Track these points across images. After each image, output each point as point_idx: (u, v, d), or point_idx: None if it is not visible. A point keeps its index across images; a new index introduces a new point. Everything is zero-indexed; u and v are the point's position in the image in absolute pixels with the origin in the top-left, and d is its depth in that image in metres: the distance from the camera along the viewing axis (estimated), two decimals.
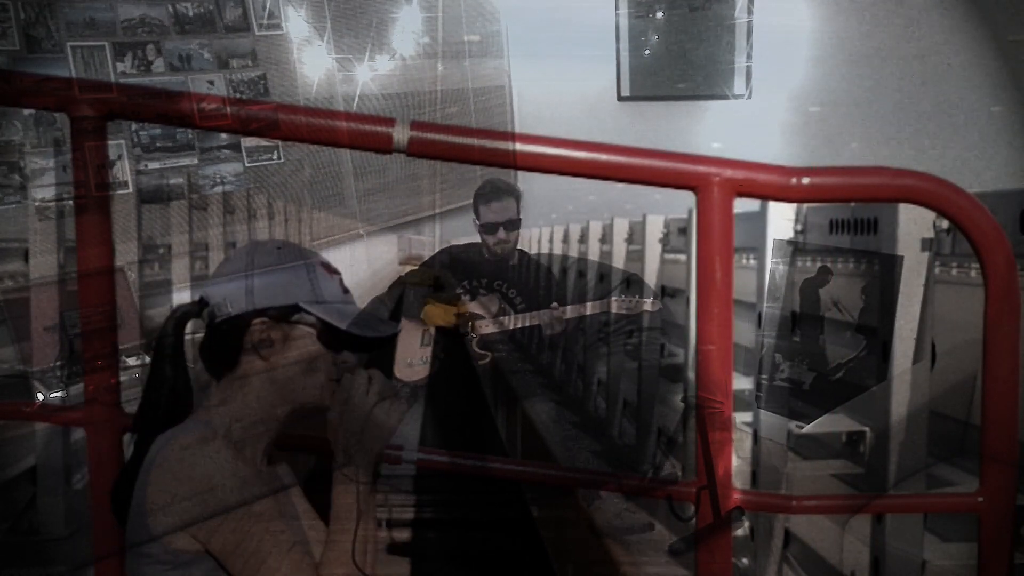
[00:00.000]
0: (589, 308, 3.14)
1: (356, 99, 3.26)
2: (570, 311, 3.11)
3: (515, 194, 3.10)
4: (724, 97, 3.49)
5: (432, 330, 3.18)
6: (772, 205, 2.44)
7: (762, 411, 2.41)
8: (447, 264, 3.20)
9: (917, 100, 3.52)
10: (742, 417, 2.52)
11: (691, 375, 2.78)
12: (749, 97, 3.50)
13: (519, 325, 3.14)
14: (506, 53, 3.48)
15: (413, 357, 3.22)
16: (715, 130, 3.51)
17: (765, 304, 2.33)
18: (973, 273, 2.12)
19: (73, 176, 1.76)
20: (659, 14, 3.48)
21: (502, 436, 3.35)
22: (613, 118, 3.52)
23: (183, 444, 1.34)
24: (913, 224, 2.06)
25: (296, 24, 3.16)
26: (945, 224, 2.02)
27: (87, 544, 1.56)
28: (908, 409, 2.11)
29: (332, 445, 1.42)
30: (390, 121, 1.72)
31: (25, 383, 2.54)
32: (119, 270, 1.81)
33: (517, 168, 1.77)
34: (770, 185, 1.71)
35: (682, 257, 3.17)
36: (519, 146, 1.72)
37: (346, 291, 1.46)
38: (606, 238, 3.64)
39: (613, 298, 3.14)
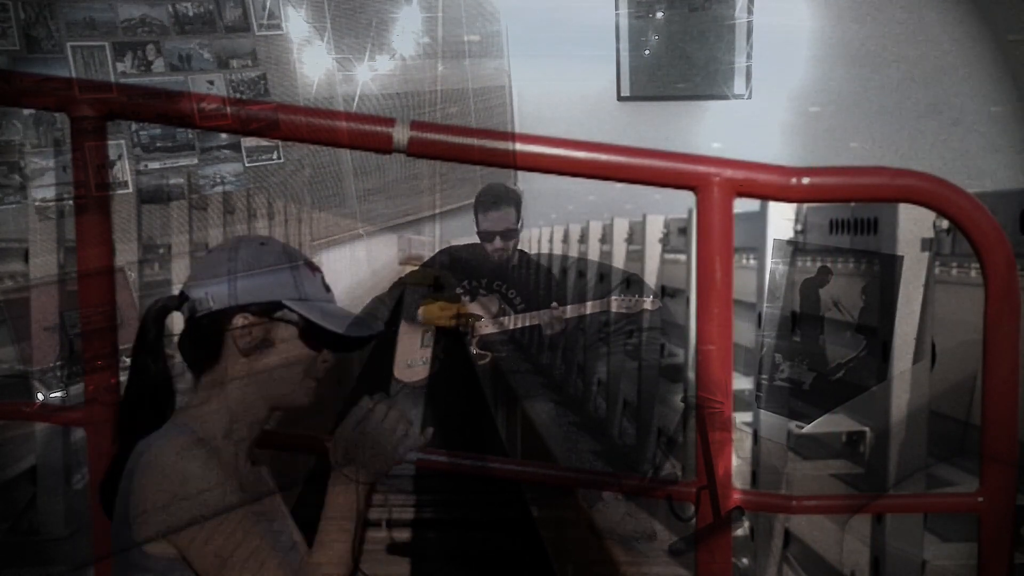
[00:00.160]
0: (589, 308, 3.14)
1: (356, 99, 3.26)
2: (570, 311, 3.11)
3: (515, 201, 3.11)
4: (724, 97, 3.49)
5: (432, 330, 3.19)
6: (772, 205, 2.44)
7: (762, 411, 2.41)
8: (447, 264, 3.21)
9: (917, 100, 3.52)
10: (742, 417, 2.52)
11: (691, 375, 2.78)
12: (749, 97, 3.50)
13: (519, 325, 3.14)
14: (506, 53, 3.48)
15: (413, 357, 3.22)
16: (715, 130, 3.51)
17: (765, 304, 2.33)
18: (973, 273, 2.12)
19: (73, 176, 1.76)
20: (659, 14, 3.48)
21: (502, 436, 3.35)
22: (613, 118, 3.52)
23: (164, 451, 1.32)
24: (913, 224, 2.06)
25: (296, 24, 3.16)
26: (945, 224, 2.01)
27: (87, 544, 1.55)
28: (908, 409, 2.11)
29: (331, 453, 1.41)
30: (390, 121, 1.72)
31: (25, 383, 2.54)
32: (119, 270, 1.81)
33: (517, 168, 1.77)
34: (770, 185, 1.71)
35: (682, 257, 3.17)
36: (519, 146, 1.72)
37: (328, 289, 1.45)
38: (606, 238, 3.64)
39: (613, 298, 3.14)
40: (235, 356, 1.40)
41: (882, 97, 3.51)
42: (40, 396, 2.39)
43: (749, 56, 3.47)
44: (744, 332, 2.27)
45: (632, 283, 3.21)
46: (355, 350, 1.48)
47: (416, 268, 3.28)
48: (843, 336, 2.23)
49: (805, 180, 1.69)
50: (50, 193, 2.95)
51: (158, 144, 3.05)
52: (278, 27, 3.11)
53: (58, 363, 2.50)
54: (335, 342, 1.43)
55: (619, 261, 3.50)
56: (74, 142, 1.74)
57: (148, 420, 1.40)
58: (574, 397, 3.65)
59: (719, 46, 3.47)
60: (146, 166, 3.05)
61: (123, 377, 1.60)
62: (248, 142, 3.08)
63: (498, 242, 3.08)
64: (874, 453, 2.21)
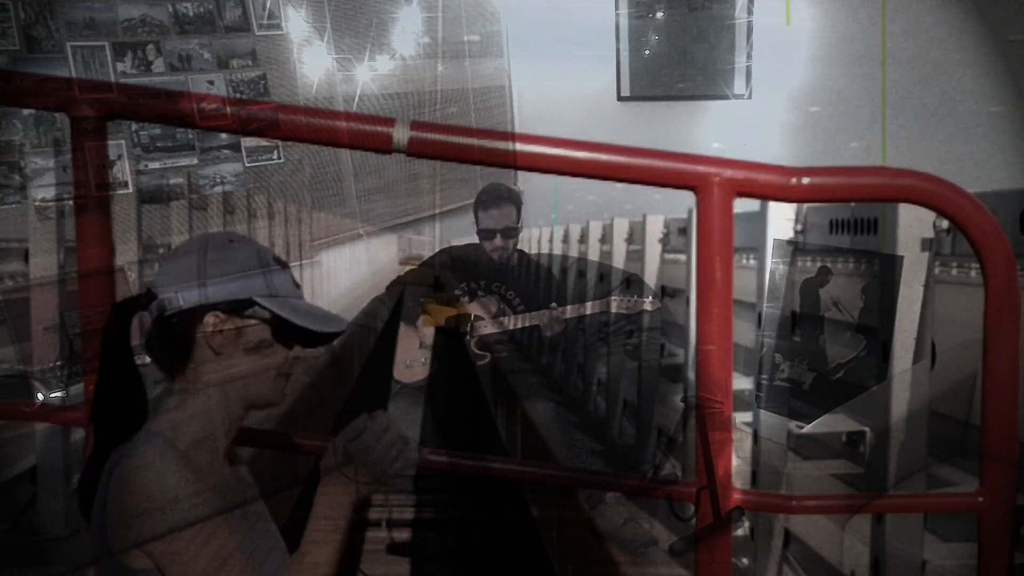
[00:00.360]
0: (589, 308, 3.14)
1: (356, 99, 3.26)
2: (569, 311, 3.11)
3: (515, 200, 3.12)
4: (724, 97, 3.49)
5: (432, 331, 3.19)
6: (772, 205, 2.45)
7: (762, 411, 2.42)
8: (446, 264, 3.21)
9: (917, 100, 3.52)
10: (742, 417, 2.52)
11: (691, 375, 2.78)
12: (749, 97, 3.50)
13: (518, 326, 3.14)
14: (506, 53, 3.48)
15: (412, 358, 3.22)
16: (715, 130, 3.51)
17: (765, 304, 2.33)
18: (973, 273, 2.12)
19: (73, 176, 1.76)
20: (659, 14, 3.48)
21: (502, 436, 3.35)
22: (613, 118, 3.52)
23: (137, 462, 1.30)
24: (913, 224, 2.06)
25: (296, 24, 3.16)
26: (945, 224, 2.02)
27: (87, 544, 1.55)
28: (908, 409, 2.11)
29: (323, 463, 1.41)
30: (390, 121, 1.72)
31: (25, 383, 2.53)
32: (119, 270, 1.81)
33: (517, 168, 1.77)
34: (770, 185, 1.72)
35: (682, 257, 3.17)
36: (519, 146, 1.72)
37: (297, 286, 1.43)
38: (606, 238, 3.64)
39: (613, 298, 3.14)
40: (208, 355, 1.38)
41: (882, 97, 3.51)
42: (40, 396, 2.39)
43: (749, 56, 3.47)
44: (744, 332, 2.27)
45: (632, 283, 3.21)
46: (324, 345, 1.46)
47: (415, 268, 3.28)
48: (843, 336, 2.23)
49: (805, 180, 1.69)
50: (50, 193, 2.95)
51: (158, 144, 3.04)
52: (278, 27, 3.11)
53: (58, 363, 2.50)
54: (306, 338, 1.42)
55: (619, 261, 3.50)
56: (74, 142, 1.74)
57: (120, 424, 1.37)
58: (574, 397, 3.65)
59: (719, 46, 3.47)
60: (146, 166, 3.05)
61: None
62: (248, 142, 3.08)
63: (498, 240, 3.09)
64: (874, 453, 2.21)
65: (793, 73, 3.52)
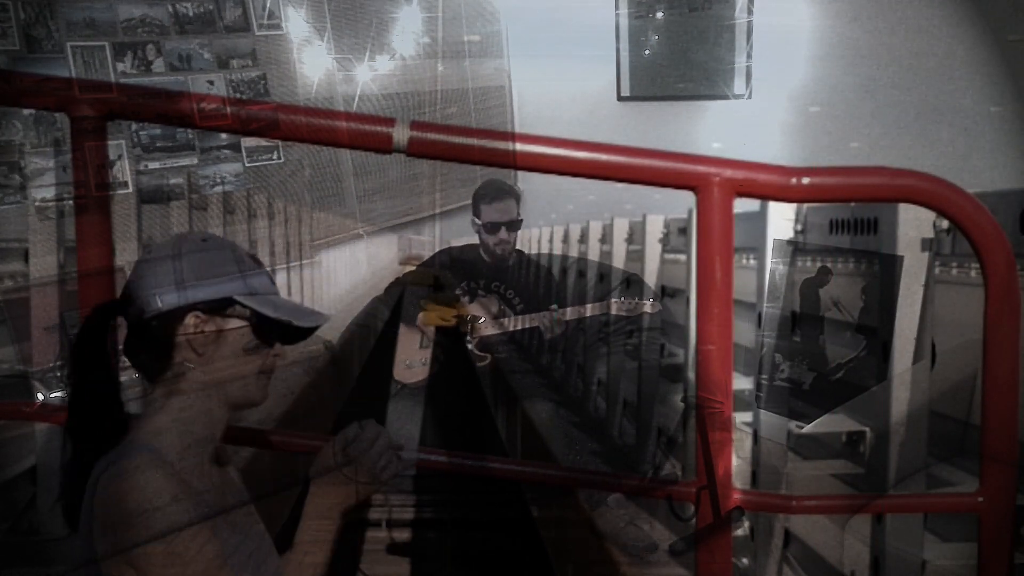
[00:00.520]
0: (588, 309, 3.15)
1: (356, 99, 3.26)
2: (569, 312, 3.11)
3: (516, 195, 3.12)
4: (724, 97, 3.49)
5: (431, 331, 3.19)
6: (772, 205, 2.44)
7: (762, 411, 2.41)
8: (446, 265, 3.21)
9: (917, 100, 3.52)
10: (742, 417, 2.52)
11: (691, 375, 2.78)
12: (749, 97, 3.50)
13: (518, 326, 3.14)
14: (506, 53, 3.48)
15: (412, 358, 3.22)
16: (715, 130, 3.51)
17: (765, 304, 2.33)
18: (973, 273, 2.12)
19: (73, 176, 1.76)
20: (659, 14, 3.48)
21: (502, 436, 3.35)
22: (613, 118, 3.52)
23: (124, 476, 1.28)
24: (913, 224, 2.06)
25: (296, 24, 3.16)
26: (945, 224, 2.02)
27: (78, 549, 1.54)
28: (908, 409, 2.11)
29: (313, 470, 1.41)
30: (390, 121, 1.72)
31: (25, 383, 2.53)
32: (119, 270, 1.81)
33: (517, 168, 1.77)
34: (770, 185, 1.72)
35: (682, 257, 3.17)
36: (519, 146, 1.72)
37: (272, 283, 1.43)
38: (606, 238, 3.64)
39: (613, 298, 3.14)
40: (190, 357, 1.36)
41: (882, 97, 3.51)
42: (40, 396, 2.39)
43: (749, 56, 3.47)
44: (744, 332, 2.27)
45: (632, 283, 3.21)
46: (303, 340, 1.45)
47: (415, 269, 3.28)
48: (843, 336, 2.23)
49: (805, 180, 1.69)
50: (50, 193, 2.95)
51: (158, 144, 3.05)
52: (278, 27, 3.11)
53: (58, 363, 2.50)
54: (286, 335, 1.42)
55: (619, 261, 3.50)
56: (74, 142, 1.74)
57: (100, 433, 1.36)
58: (574, 397, 3.65)
59: (719, 46, 3.47)
60: (146, 166, 3.05)
61: (123, 377, 1.58)
62: (248, 142, 3.08)
63: (503, 233, 3.09)
64: (874, 453, 2.21)
65: (793, 73, 3.52)
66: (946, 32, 3.53)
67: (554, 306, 3.10)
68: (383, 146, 1.72)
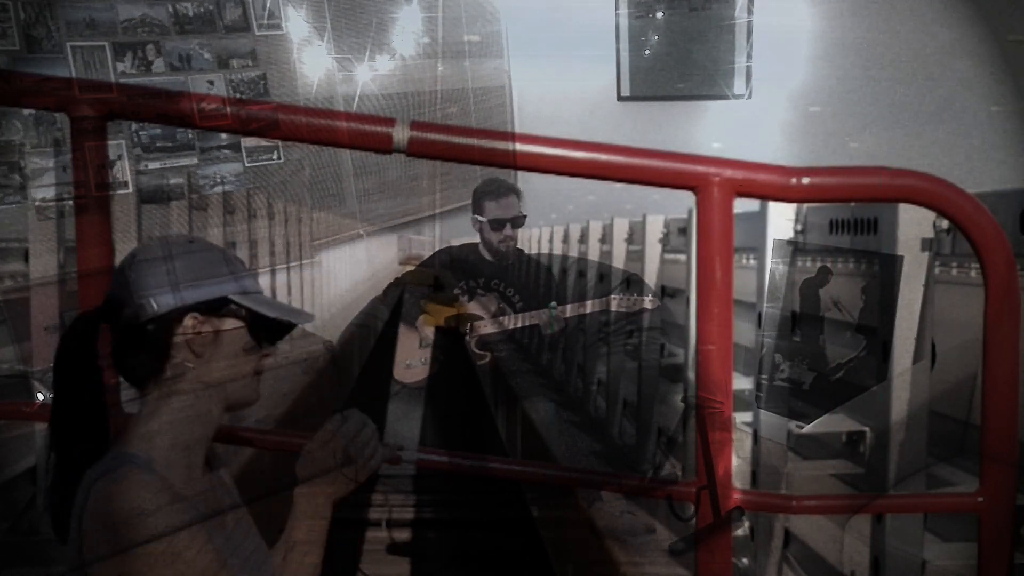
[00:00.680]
0: (588, 308, 3.15)
1: (356, 99, 3.26)
2: (569, 311, 3.11)
3: (518, 191, 3.13)
4: (724, 97, 3.49)
5: (431, 331, 3.19)
6: (772, 205, 2.44)
7: (762, 411, 2.41)
8: (445, 264, 3.21)
9: (917, 100, 3.52)
10: (742, 417, 2.51)
11: (691, 375, 2.78)
12: (749, 97, 3.50)
13: (518, 325, 3.14)
14: (506, 53, 3.48)
15: (412, 358, 3.22)
16: (715, 130, 3.51)
17: (765, 304, 2.32)
18: (973, 273, 2.12)
19: (73, 176, 1.76)
20: (659, 14, 3.48)
21: (502, 436, 3.35)
22: (613, 118, 3.52)
23: (113, 492, 1.26)
24: (913, 224, 2.06)
25: (296, 24, 3.16)
26: (945, 224, 2.01)
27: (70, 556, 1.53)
28: (908, 409, 2.11)
29: (298, 467, 1.40)
30: (390, 121, 1.72)
31: (25, 383, 2.53)
32: None
33: (517, 168, 1.77)
34: (770, 185, 1.72)
35: (682, 257, 3.17)
36: (519, 146, 1.72)
37: (257, 281, 1.43)
38: (606, 238, 3.64)
39: (613, 298, 3.14)
40: (188, 359, 1.35)
41: (882, 97, 3.51)
42: (40, 396, 2.39)
43: (749, 56, 3.47)
44: (744, 332, 2.27)
45: (632, 283, 3.21)
46: (282, 339, 1.45)
47: (414, 269, 3.28)
48: (843, 336, 2.23)
49: (805, 180, 1.70)
50: (50, 193, 2.95)
51: (158, 144, 3.05)
52: (278, 27, 3.11)
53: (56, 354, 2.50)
54: (277, 333, 1.41)
55: (619, 261, 3.50)
56: (74, 142, 1.74)
57: (88, 441, 1.34)
58: (574, 397, 3.65)
59: (719, 46, 3.47)
60: (146, 166, 3.05)
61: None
62: (248, 142, 3.08)
63: (508, 229, 3.10)
64: (874, 453, 2.21)
65: (793, 73, 3.52)
66: (946, 32, 3.53)
67: (553, 304, 3.10)
68: (383, 146, 1.72)
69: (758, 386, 2.30)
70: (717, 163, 1.69)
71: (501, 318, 3.13)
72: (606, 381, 3.54)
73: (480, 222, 3.13)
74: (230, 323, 1.37)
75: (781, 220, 2.45)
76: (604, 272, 3.46)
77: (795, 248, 2.35)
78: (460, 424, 3.26)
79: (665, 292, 3.23)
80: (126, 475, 1.28)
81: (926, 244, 2.07)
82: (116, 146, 2.98)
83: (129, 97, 1.84)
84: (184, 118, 1.84)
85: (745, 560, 2.57)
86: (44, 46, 2.95)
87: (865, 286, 2.19)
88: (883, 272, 2.13)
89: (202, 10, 3.04)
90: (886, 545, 2.08)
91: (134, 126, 3.00)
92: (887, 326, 2.08)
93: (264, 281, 3.38)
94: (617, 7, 3.47)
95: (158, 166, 3.06)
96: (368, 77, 3.29)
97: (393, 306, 3.27)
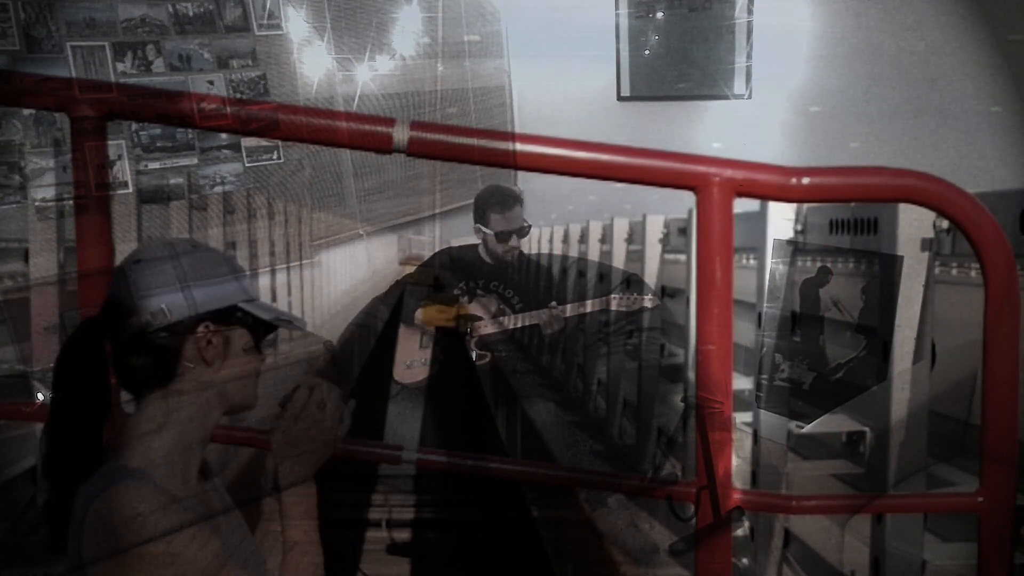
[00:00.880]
0: (588, 308, 3.15)
1: (356, 99, 3.26)
2: (569, 311, 3.11)
3: (521, 200, 3.13)
4: (724, 97, 3.49)
5: (431, 331, 3.19)
6: (772, 205, 2.44)
7: (762, 411, 2.41)
8: (445, 265, 3.21)
9: (917, 100, 3.52)
10: (742, 417, 2.52)
11: (691, 375, 2.78)
12: (749, 97, 3.50)
13: (518, 325, 3.14)
14: (506, 53, 3.48)
15: (412, 358, 3.22)
16: (715, 130, 3.51)
17: (765, 304, 2.32)
18: (973, 273, 2.12)
19: (73, 176, 1.76)
20: (659, 14, 3.48)
21: (502, 436, 3.35)
22: (613, 118, 3.52)
23: (112, 507, 1.24)
24: (913, 224, 2.06)
25: (296, 24, 3.16)
26: (945, 224, 2.02)
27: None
28: (908, 409, 2.11)
29: (273, 449, 1.39)
30: (390, 121, 1.72)
31: (25, 383, 2.53)
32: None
33: (517, 168, 1.77)
34: (770, 185, 1.72)
35: (682, 257, 3.17)
36: (519, 146, 1.72)
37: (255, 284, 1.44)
38: (606, 238, 3.64)
39: (613, 298, 3.14)
40: (199, 367, 1.33)
41: (882, 97, 3.51)
42: (40, 396, 2.39)
43: (749, 56, 3.47)
44: (744, 332, 2.27)
45: (632, 283, 3.21)
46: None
47: (415, 269, 3.28)
48: (843, 336, 2.23)
49: (805, 180, 1.70)
50: (50, 193, 2.95)
51: (158, 144, 3.04)
52: (278, 27, 3.11)
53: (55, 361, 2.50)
54: (265, 336, 1.41)
55: (619, 261, 3.50)
56: (74, 142, 1.75)
57: (86, 452, 1.32)
58: (574, 397, 3.65)
59: (719, 46, 3.47)
60: (146, 166, 3.05)
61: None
62: (248, 142, 3.08)
63: (514, 240, 3.10)
64: (874, 453, 2.21)
65: (793, 73, 3.52)
66: (946, 32, 3.53)
67: (553, 303, 3.10)
68: (383, 146, 1.72)
69: (758, 386, 2.30)
70: (717, 163, 1.70)
71: (501, 319, 3.13)
72: (606, 381, 3.54)
73: (485, 233, 3.13)
74: (239, 332, 1.37)
75: (781, 220, 2.45)
76: (604, 272, 3.46)
77: (795, 248, 2.35)
78: (460, 424, 3.26)
79: (665, 292, 3.23)
80: (128, 489, 1.26)
81: (926, 244, 2.07)
82: (116, 146, 2.98)
83: (129, 97, 1.84)
84: (184, 118, 1.84)
85: (745, 560, 2.57)
86: (44, 46, 2.95)
87: (865, 286, 2.19)
88: (883, 272, 2.13)
89: (202, 10, 3.03)
90: (886, 545, 2.08)
91: (134, 126, 3.00)
92: (887, 326, 2.08)
93: (264, 281, 3.38)
94: (617, 7, 3.47)
95: (158, 166, 3.06)
96: (368, 77, 3.29)
97: (393, 306, 3.27)
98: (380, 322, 3.33)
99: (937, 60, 3.53)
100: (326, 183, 3.37)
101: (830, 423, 2.29)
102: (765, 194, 1.84)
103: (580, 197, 3.59)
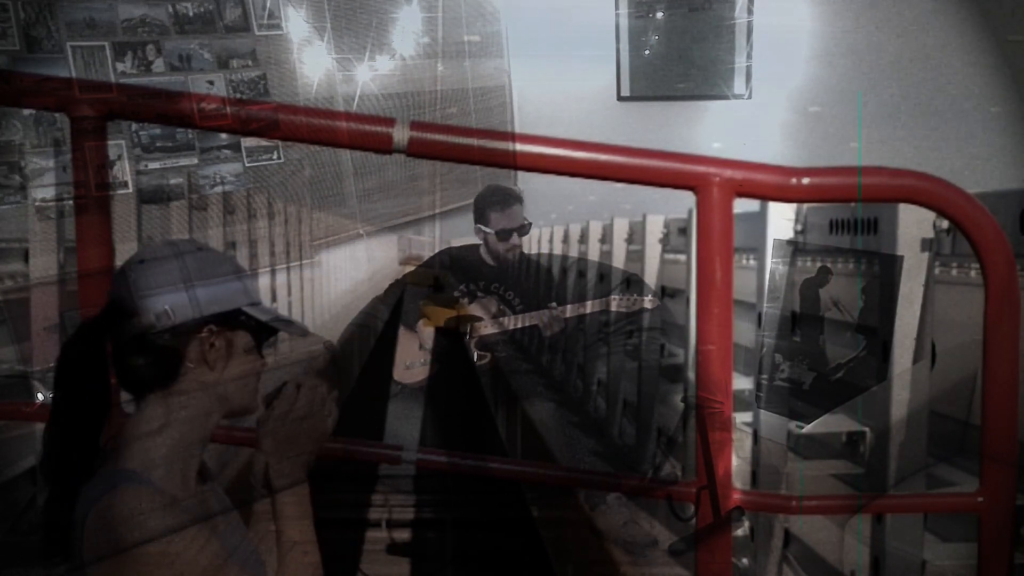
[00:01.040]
0: (588, 308, 3.15)
1: (356, 99, 3.26)
2: (569, 311, 3.11)
3: (521, 199, 3.13)
4: (724, 97, 3.49)
5: (431, 332, 3.19)
6: (772, 205, 2.45)
7: (762, 411, 2.41)
8: (446, 266, 3.21)
9: (917, 100, 3.52)
10: (742, 417, 2.52)
11: (691, 375, 2.78)
12: (749, 97, 3.50)
13: (518, 326, 3.14)
14: (506, 53, 3.48)
15: (412, 359, 3.22)
16: (715, 130, 3.51)
17: (765, 304, 2.33)
18: (973, 273, 2.12)
19: (73, 176, 1.76)
20: (659, 14, 3.48)
21: (502, 436, 3.35)
22: (613, 118, 3.52)
23: (112, 511, 1.24)
24: (913, 224, 2.06)
25: (296, 24, 3.16)
26: (945, 224, 2.02)
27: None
28: (908, 409, 2.11)
29: (263, 446, 1.38)
30: (390, 121, 1.72)
31: (25, 383, 2.53)
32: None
33: (517, 168, 1.77)
34: (770, 185, 1.72)
35: (682, 257, 3.17)
36: (519, 146, 1.72)
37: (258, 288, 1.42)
38: (606, 238, 3.64)
39: (613, 298, 3.14)
40: (201, 370, 1.33)
41: (882, 97, 3.51)
42: (40, 396, 2.39)
43: (749, 56, 3.47)
44: (744, 332, 2.27)
45: (632, 283, 3.21)
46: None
47: (415, 270, 3.28)
48: (843, 336, 2.23)
49: (805, 180, 1.70)
50: (50, 193, 2.95)
51: (158, 144, 3.04)
52: (278, 27, 3.11)
53: (56, 362, 2.50)
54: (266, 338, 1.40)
55: (619, 261, 3.50)
56: (74, 142, 1.75)
57: (88, 456, 1.32)
58: (574, 397, 3.65)
59: (719, 46, 3.47)
60: (146, 166, 3.05)
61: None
62: (248, 142, 3.08)
63: (515, 239, 3.10)
64: (874, 453, 2.21)
65: (793, 73, 3.52)
66: (946, 32, 3.53)
67: (553, 304, 3.11)
68: (383, 146, 1.72)
69: (758, 386, 2.30)
70: (717, 163, 1.70)
71: (501, 319, 3.13)
72: (606, 381, 3.55)
73: (486, 233, 3.12)
74: (242, 335, 1.36)
75: (781, 220, 2.45)
76: (604, 272, 3.46)
77: (795, 248, 2.35)
78: (460, 425, 3.26)
79: (665, 292, 3.23)
80: (127, 494, 1.26)
81: (926, 244, 2.07)
82: (116, 146, 2.98)
83: (129, 97, 1.84)
84: (184, 118, 1.84)
85: (745, 560, 2.57)
86: (44, 46, 2.95)
87: (865, 286, 2.19)
88: (883, 272, 2.13)
89: (202, 10, 3.03)
90: (886, 545, 2.08)
91: (134, 126, 3.00)
92: (887, 326, 2.08)
93: (265, 281, 3.38)
94: (617, 7, 3.47)
95: (158, 166, 3.06)
96: (368, 77, 3.29)
97: (393, 307, 3.27)
98: (380, 322, 3.33)
99: (937, 60, 3.53)
100: (326, 183, 3.37)
101: (830, 423, 2.29)
102: (765, 194, 1.84)
103: (580, 197, 3.59)
